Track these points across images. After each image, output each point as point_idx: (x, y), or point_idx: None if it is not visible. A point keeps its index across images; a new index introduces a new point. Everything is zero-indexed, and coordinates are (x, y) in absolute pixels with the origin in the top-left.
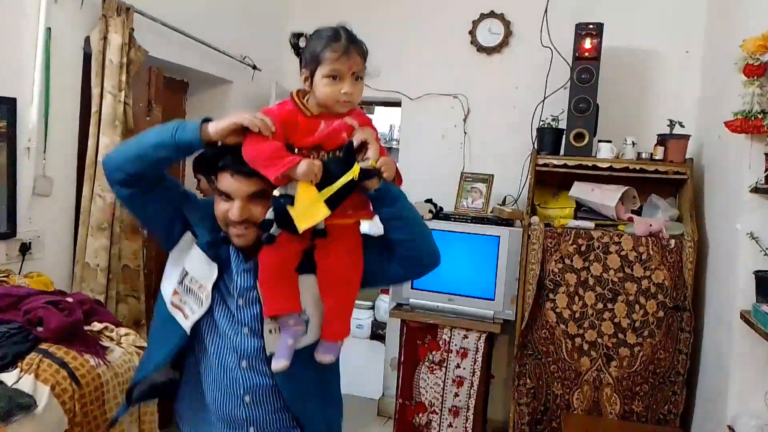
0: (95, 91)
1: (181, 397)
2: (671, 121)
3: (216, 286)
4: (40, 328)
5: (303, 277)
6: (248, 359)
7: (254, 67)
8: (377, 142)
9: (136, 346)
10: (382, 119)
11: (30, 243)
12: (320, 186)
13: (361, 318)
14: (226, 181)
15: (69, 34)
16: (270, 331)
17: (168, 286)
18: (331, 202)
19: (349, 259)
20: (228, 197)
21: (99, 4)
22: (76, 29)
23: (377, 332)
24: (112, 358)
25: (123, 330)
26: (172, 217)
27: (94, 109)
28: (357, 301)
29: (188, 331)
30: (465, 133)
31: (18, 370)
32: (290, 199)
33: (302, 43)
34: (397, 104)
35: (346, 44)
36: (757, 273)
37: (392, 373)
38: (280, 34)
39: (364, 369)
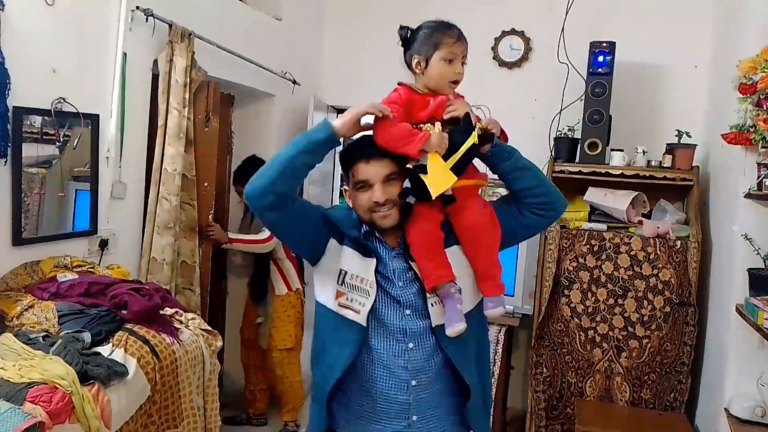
0: (162, 107)
1: (341, 397)
2: (679, 131)
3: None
4: (124, 311)
5: (448, 251)
6: (415, 340)
7: (294, 82)
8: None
9: (201, 329)
10: None
11: (108, 240)
12: (445, 156)
13: None
14: (362, 170)
15: (141, 58)
16: (432, 305)
17: (325, 293)
18: (456, 168)
19: (482, 211)
20: (365, 185)
21: (166, 31)
22: (146, 53)
23: None
24: (184, 338)
25: (190, 315)
26: (315, 229)
27: (160, 123)
28: None
29: (364, 322)
30: None
31: (110, 345)
32: (423, 169)
33: (409, 34)
34: None
35: (459, 32)
36: (749, 270)
37: None
38: (317, 51)
39: None
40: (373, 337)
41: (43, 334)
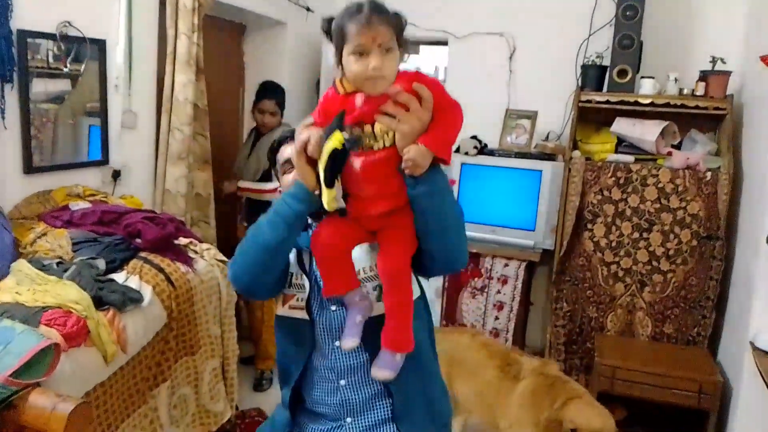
0: (170, 33)
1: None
2: (713, 57)
3: (307, 272)
4: (138, 240)
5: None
6: (341, 338)
7: (307, 9)
8: (419, 110)
9: (217, 259)
10: (429, 59)
11: (120, 170)
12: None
13: None
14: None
15: None
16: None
17: (278, 304)
18: (326, 179)
19: (403, 258)
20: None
21: None
22: None
23: None
24: (198, 267)
25: (205, 245)
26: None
27: (169, 49)
28: None
29: (305, 315)
30: (510, 71)
31: (125, 272)
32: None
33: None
34: (444, 43)
35: (369, 14)
36: None
37: (437, 301)
38: None
39: None
40: (313, 335)
41: (57, 260)
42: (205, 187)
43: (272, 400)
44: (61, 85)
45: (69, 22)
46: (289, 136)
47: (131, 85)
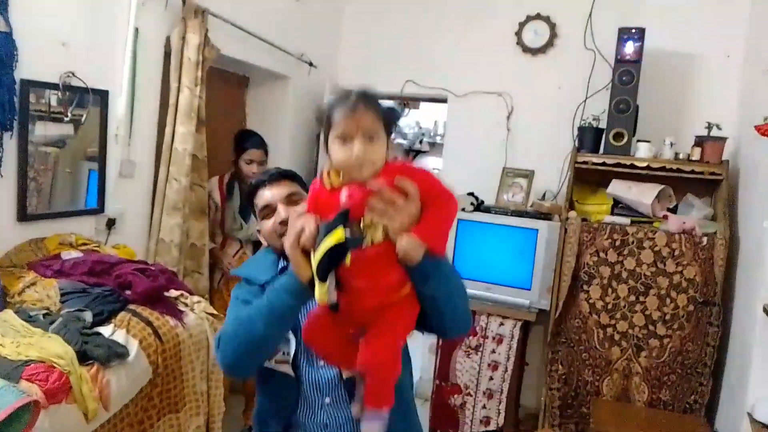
0: (173, 85)
1: None
2: (709, 123)
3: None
4: (128, 292)
5: None
6: (330, 394)
7: (310, 64)
8: (405, 205)
9: (207, 313)
10: (428, 115)
11: (115, 219)
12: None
13: None
14: (262, 196)
15: (153, 34)
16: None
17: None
18: (319, 272)
19: (385, 351)
20: (269, 211)
21: (179, 7)
22: (159, 30)
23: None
24: (188, 321)
25: (195, 298)
26: None
27: (171, 101)
28: None
29: (292, 372)
30: (508, 129)
31: (112, 325)
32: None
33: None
34: (443, 101)
35: (355, 102)
36: None
37: (430, 357)
38: (335, 34)
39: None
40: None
41: (44, 311)
42: (200, 238)
43: None
44: (63, 130)
45: (72, 73)
46: (266, 180)
47: (131, 135)
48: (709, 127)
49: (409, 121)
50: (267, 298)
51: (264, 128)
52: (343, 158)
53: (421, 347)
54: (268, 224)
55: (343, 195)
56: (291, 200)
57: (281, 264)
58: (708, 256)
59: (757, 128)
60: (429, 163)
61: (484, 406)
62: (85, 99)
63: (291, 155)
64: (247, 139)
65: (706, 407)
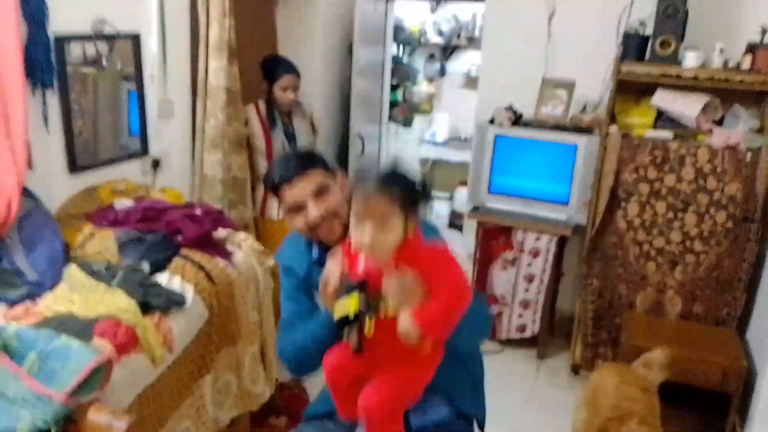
0: (202, 19)
1: None
2: (764, 28)
3: None
4: (179, 237)
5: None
6: None
7: None
8: (407, 293)
9: (254, 249)
10: (466, 8)
11: (159, 160)
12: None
13: (440, 208)
14: (288, 194)
15: None
16: None
17: None
18: (338, 328)
19: (382, 397)
20: (298, 208)
21: None
22: None
23: (455, 222)
24: (237, 260)
25: (242, 235)
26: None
27: (202, 35)
28: (435, 191)
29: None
30: (549, 35)
31: (168, 272)
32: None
33: None
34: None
35: (371, 187)
36: None
37: (468, 264)
38: None
39: None
40: None
41: (105, 265)
42: (241, 170)
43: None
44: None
45: (103, 20)
46: (290, 176)
47: (166, 75)
48: (763, 32)
49: (446, 15)
50: (312, 331)
51: (296, 42)
52: (356, 240)
53: (459, 255)
54: (299, 222)
55: (360, 264)
56: (319, 193)
57: (315, 254)
58: (751, 173)
59: None
60: (468, 58)
61: (519, 315)
62: (118, 46)
63: (326, 67)
64: (279, 66)
65: (738, 320)
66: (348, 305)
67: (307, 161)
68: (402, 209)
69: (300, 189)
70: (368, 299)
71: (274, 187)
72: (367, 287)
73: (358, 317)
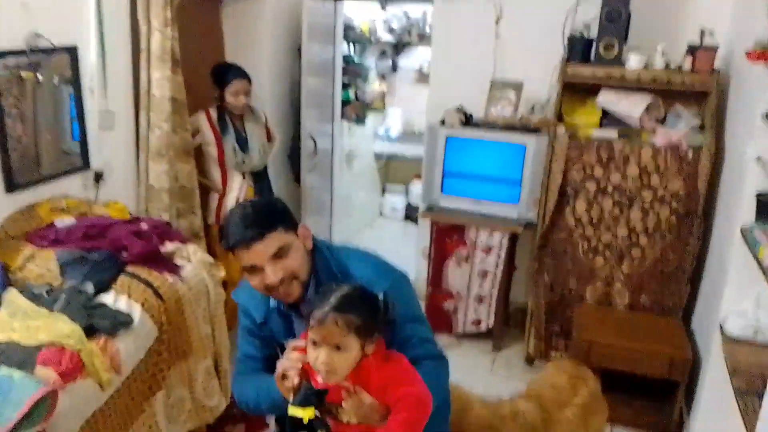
0: (143, 29)
1: None
2: (702, 30)
3: None
4: (124, 254)
5: None
6: None
7: None
8: (366, 416)
9: (204, 261)
10: (417, 6)
11: (102, 172)
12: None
13: (396, 201)
14: (245, 257)
15: None
16: None
17: None
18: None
19: None
20: (255, 269)
21: None
22: None
23: (410, 215)
24: (186, 274)
25: (191, 247)
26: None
27: (143, 46)
28: (390, 185)
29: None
30: (497, 36)
31: (114, 292)
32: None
33: None
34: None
35: (326, 313)
36: (758, 196)
37: (423, 263)
38: None
39: (399, 250)
40: None
41: (47, 287)
42: (188, 179)
43: None
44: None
45: (38, 33)
46: (247, 240)
47: (107, 86)
48: (702, 33)
49: (396, 12)
50: (267, 396)
51: (242, 47)
52: (311, 360)
53: (414, 249)
54: (256, 281)
55: (319, 377)
56: (278, 256)
57: (273, 303)
58: (692, 170)
59: (748, 55)
60: (419, 54)
61: (475, 310)
62: (54, 60)
63: (272, 72)
64: (229, 72)
65: (683, 310)
66: (304, 412)
67: (265, 221)
68: (358, 335)
69: (257, 253)
70: (325, 410)
71: (230, 249)
72: (325, 399)
73: (313, 425)
